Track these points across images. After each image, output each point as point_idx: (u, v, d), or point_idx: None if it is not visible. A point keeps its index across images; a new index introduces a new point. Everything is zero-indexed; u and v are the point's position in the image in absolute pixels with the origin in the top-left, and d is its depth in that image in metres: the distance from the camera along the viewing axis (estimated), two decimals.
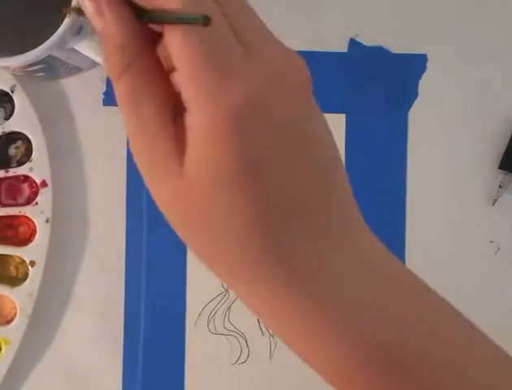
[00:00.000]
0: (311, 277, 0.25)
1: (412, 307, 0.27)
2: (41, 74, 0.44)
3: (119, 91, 0.26)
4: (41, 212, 0.46)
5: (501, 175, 0.46)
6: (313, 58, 0.47)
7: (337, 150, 0.26)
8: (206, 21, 0.23)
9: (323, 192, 0.25)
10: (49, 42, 0.39)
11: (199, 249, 0.26)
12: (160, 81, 0.25)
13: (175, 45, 0.23)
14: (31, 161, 0.46)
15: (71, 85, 0.47)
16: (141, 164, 0.25)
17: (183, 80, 0.24)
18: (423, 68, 0.47)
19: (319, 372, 0.27)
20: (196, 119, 0.23)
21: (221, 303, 0.47)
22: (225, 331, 0.47)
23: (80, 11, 0.27)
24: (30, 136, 0.46)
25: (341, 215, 0.26)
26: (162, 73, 0.25)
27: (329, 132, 0.26)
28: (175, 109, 0.25)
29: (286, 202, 0.24)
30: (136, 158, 0.26)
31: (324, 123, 0.26)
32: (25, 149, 0.47)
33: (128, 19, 0.25)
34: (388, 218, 0.47)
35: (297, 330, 0.26)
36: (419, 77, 0.47)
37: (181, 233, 0.26)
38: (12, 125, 0.46)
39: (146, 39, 0.25)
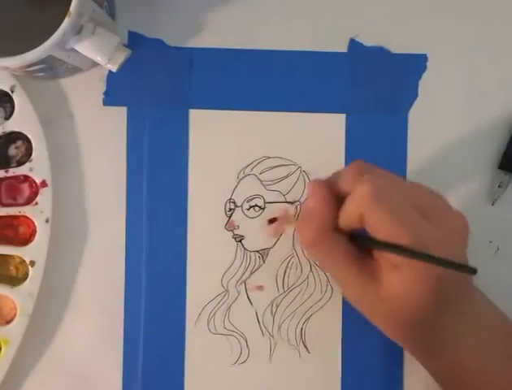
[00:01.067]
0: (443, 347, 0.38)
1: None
2: (41, 74, 0.44)
3: (313, 253, 0.41)
4: (41, 212, 0.46)
5: (500, 175, 0.46)
6: (313, 58, 0.47)
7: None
8: (474, 271, 0.34)
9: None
10: (49, 42, 0.39)
11: (395, 335, 0.39)
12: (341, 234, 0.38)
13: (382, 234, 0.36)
14: (31, 161, 0.46)
15: (71, 85, 0.47)
16: (347, 293, 0.40)
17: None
18: (423, 68, 0.47)
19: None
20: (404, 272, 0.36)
21: (221, 303, 0.47)
22: (225, 331, 0.47)
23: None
24: (30, 136, 0.46)
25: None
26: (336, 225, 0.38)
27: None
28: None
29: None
30: (344, 291, 0.40)
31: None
32: (25, 149, 0.47)
33: (332, 203, 0.38)
34: None
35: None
36: (419, 77, 0.47)
37: (381, 326, 0.39)
38: (12, 125, 0.46)
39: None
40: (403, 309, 0.36)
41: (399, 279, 0.36)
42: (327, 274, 0.46)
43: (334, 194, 0.39)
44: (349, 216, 0.38)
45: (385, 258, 0.37)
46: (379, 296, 0.36)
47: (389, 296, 0.36)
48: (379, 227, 0.36)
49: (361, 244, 0.38)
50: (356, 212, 0.37)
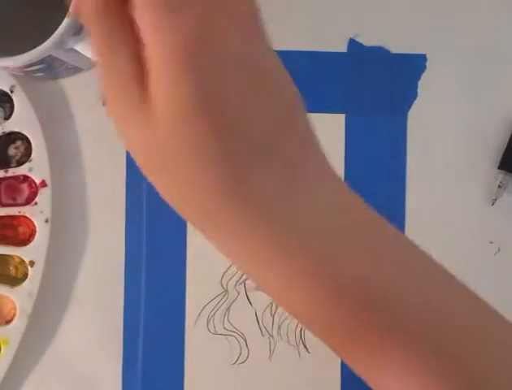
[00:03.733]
0: (276, 214, 0.24)
1: (387, 247, 0.27)
2: (40, 74, 0.44)
3: (96, 31, 0.24)
4: (41, 212, 0.46)
5: (500, 175, 0.46)
6: (313, 58, 0.47)
7: (296, 90, 0.26)
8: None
9: (284, 127, 0.25)
10: (49, 42, 0.39)
11: (167, 190, 0.26)
12: (130, 29, 0.24)
13: None
14: (30, 161, 0.46)
15: (71, 85, 0.47)
16: (113, 112, 0.25)
17: (139, 14, 0.23)
18: (423, 68, 0.47)
19: (296, 314, 0.26)
20: (153, 50, 0.23)
21: (221, 303, 0.47)
22: (225, 331, 0.47)
23: None
24: (30, 136, 0.46)
25: (305, 153, 0.26)
26: (130, 21, 0.24)
27: (283, 68, 0.26)
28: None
29: (245, 135, 0.23)
30: (109, 109, 0.25)
31: (278, 57, 0.26)
32: (25, 149, 0.47)
33: None
34: (387, 217, 0.47)
35: (269, 270, 0.25)
36: (419, 77, 0.47)
37: (150, 176, 0.26)
38: (12, 125, 0.46)
39: None
40: (174, 144, 0.23)
41: (168, 90, 0.23)
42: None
43: None
44: None
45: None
46: (146, 120, 0.24)
47: (156, 120, 0.23)
48: None
49: None
50: None
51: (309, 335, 0.47)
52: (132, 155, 0.25)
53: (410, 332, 0.25)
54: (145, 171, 0.26)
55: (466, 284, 0.27)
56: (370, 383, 0.27)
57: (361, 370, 0.28)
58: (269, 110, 0.24)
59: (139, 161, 0.25)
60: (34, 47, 0.39)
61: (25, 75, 0.45)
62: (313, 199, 0.25)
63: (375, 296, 0.25)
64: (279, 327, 0.47)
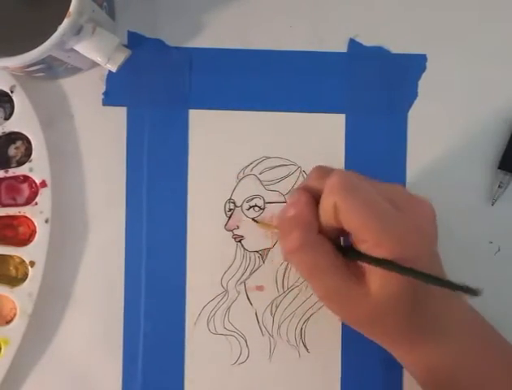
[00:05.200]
0: (440, 334, 0.39)
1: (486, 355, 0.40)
2: (40, 74, 0.44)
3: (299, 260, 0.38)
4: (41, 212, 0.46)
5: (500, 175, 0.46)
6: (313, 58, 0.47)
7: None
8: (477, 293, 0.33)
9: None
10: (49, 42, 0.39)
11: (373, 334, 0.40)
12: (322, 231, 0.38)
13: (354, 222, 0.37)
14: (31, 161, 0.46)
15: (71, 85, 0.47)
16: (333, 299, 0.38)
17: (360, 234, 0.37)
18: (423, 68, 0.47)
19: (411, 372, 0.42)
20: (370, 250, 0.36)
21: (221, 303, 0.47)
22: (225, 331, 0.47)
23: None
24: (30, 136, 0.46)
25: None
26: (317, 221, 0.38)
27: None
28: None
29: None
30: (329, 299, 0.38)
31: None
32: (25, 150, 0.47)
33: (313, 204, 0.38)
34: None
35: (406, 353, 0.41)
36: (419, 77, 0.47)
37: (360, 328, 0.39)
38: (12, 125, 0.46)
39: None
40: (384, 309, 0.37)
41: (380, 281, 0.36)
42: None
43: (314, 199, 0.39)
44: (325, 212, 0.37)
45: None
46: (363, 294, 0.37)
47: (372, 294, 0.36)
48: (351, 216, 0.36)
49: (346, 255, 0.38)
50: (330, 204, 0.37)
51: (309, 335, 0.47)
52: (344, 315, 0.39)
53: None
54: (356, 325, 0.39)
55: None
56: None
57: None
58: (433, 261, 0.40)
59: (351, 320, 0.39)
60: (34, 47, 0.39)
61: (25, 75, 0.45)
62: (450, 315, 0.39)
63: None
64: (280, 327, 0.47)
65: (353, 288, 0.37)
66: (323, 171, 0.39)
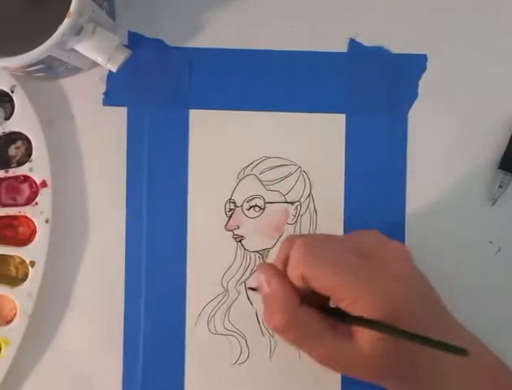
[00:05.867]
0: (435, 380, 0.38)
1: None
2: (41, 74, 0.44)
3: (286, 338, 0.39)
4: (41, 212, 0.46)
5: (500, 175, 0.46)
6: (313, 58, 0.47)
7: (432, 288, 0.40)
8: (465, 353, 0.32)
9: (439, 325, 0.38)
10: (49, 42, 0.39)
11: (379, 381, 0.39)
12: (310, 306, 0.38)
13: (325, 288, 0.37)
14: (31, 161, 0.46)
15: (71, 85, 0.47)
16: (329, 363, 0.38)
17: (329, 290, 0.37)
18: (423, 68, 0.47)
19: None
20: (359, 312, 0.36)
21: (221, 303, 0.47)
22: (225, 331, 0.47)
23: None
24: (30, 136, 0.46)
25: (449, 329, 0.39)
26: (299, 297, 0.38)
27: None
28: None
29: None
30: (325, 363, 0.38)
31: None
32: (25, 149, 0.47)
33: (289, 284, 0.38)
34: (388, 218, 0.47)
35: None
36: (419, 77, 0.47)
37: (348, 373, 0.39)
38: (12, 125, 0.46)
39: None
40: (377, 361, 0.37)
41: (368, 336, 0.36)
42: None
43: (284, 271, 0.39)
44: (295, 280, 0.38)
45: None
46: (355, 352, 0.37)
47: (363, 351, 0.37)
48: (321, 281, 0.37)
49: (333, 317, 0.38)
50: (297, 274, 0.37)
51: None
52: (344, 372, 0.40)
53: None
54: (359, 377, 0.38)
55: None
56: None
57: None
58: (429, 310, 0.38)
59: (352, 375, 0.38)
60: (34, 47, 0.39)
61: (25, 75, 0.45)
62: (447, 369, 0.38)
63: None
64: None
65: (345, 348, 0.37)
66: (290, 242, 0.39)
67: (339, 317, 0.37)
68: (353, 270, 0.37)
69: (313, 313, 0.38)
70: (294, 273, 0.38)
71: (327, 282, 0.37)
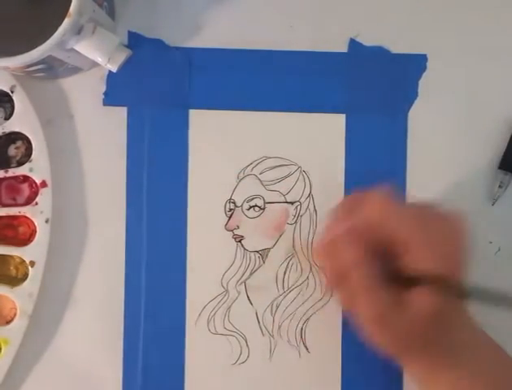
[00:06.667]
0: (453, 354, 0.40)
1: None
2: (41, 74, 0.44)
3: (359, 274, 0.38)
4: (41, 212, 0.46)
5: (500, 175, 0.46)
6: (313, 58, 0.47)
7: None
8: None
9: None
10: (49, 42, 0.39)
11: (401, 351, 0.40)
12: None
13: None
14: (31, 161, 0.46)
15: (71, 85, 0.47)
16: (380, 320, 0.38)
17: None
18: (423, 68, 0.47)
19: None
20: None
21: (221, 303, 0.47)
22: (225, 331, 0.47)
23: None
24: (30, 136, 0.46)
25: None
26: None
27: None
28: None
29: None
30: (375, 320, 0.38)
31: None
32: (25, 149, 0.47)
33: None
34: None
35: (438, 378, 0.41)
36: (419, 77, 0.47)
37: (395, 350, 0.40)
38: (12, 125, 0.46)
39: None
40: (423, 331, 0.38)
41: (425, 307, 0.38)
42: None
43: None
44: (369, 225, 0.38)
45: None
46: (405, 318, 0.38)
47: (414, 319, 0.38)
48: (402, 225, 0.38)
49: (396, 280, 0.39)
50: (374, 217, 0.38)
51: (309, 335, 0.47)
52: (380, 328, 0.39)
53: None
54: (391, 344, 0.39)
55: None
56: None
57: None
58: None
59: (383, 332, 0.39)
60: (34, 47, 0.39)
61: (26, 75, 0.45)
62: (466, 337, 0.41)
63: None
64: (280, 327, 0.47)
65: (398, 312, 0.38)
66: (351, 204, 0.40)
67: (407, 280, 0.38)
68: (429, 229, 0.38)
69: (374, 269, 0.38)
70: (371, 216, 0.38)
71: (406, 229, 0.38)
